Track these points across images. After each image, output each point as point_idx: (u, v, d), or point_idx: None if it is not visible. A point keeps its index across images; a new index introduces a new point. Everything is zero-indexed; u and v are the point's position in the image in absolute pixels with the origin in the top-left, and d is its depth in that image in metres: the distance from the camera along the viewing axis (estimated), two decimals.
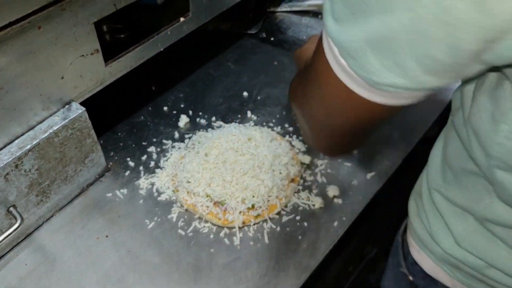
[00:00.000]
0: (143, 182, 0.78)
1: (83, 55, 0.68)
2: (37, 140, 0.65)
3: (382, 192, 0.76)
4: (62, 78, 0.67)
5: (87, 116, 0.71)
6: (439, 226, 0.55)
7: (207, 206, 0.72)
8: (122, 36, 0.85)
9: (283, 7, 1.17)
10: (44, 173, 0.69)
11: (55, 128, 0.67)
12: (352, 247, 0.95)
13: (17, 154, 0.63)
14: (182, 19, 0.83)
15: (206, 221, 0.72)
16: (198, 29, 0.84)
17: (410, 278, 0.65)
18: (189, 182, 0.74)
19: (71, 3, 0.61)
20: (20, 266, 0.67)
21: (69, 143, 0.70)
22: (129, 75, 0.80)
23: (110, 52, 0.75)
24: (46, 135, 0.66)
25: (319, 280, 0.71)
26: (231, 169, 0.74)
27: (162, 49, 0.82)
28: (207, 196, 0.72)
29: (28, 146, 0.64)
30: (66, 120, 0.68)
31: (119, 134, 0.88)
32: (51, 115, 0.68)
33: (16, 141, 0.65)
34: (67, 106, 0.70)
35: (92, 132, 0.74)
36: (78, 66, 0.68)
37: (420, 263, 0.61)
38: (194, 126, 0.89)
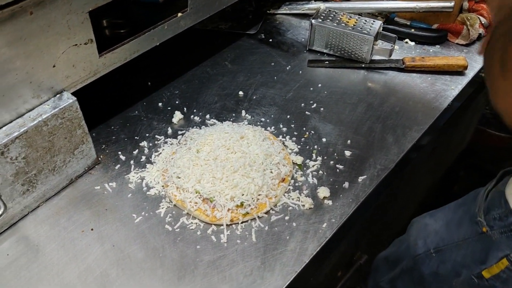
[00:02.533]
0: (133, 176, 0.77)
1: (76, 45, 0.67)
2: (25, 128, 0.64)
3: (373, 196, 0.75)
4: (54, 66, 0.66)
5: (78, 106, 0.70)
6: None
7: (196, 202, 0.71)
8: (122, 31, 0.85)
9: (283, 10, 1.17)
10: (31, 162, 0.68)
11: (44, 116, 0.66)
12: (341, 252, 0.93)
13: (3, 141, 0.62)
14: (179, 14, 0.82)
15: (194, 218, 0.71)
16: (197, 27, 0.83)
17: (485, 229, 0.75)
18: (179, 178, 0.73)
19: None
20: (1, 256, 0.66)
21: (58, 132, 0.70)
22: (125, 69, 0.79)
23: (105, 44, 0.74)
24: (34, 123, 0.65)
25: (307, 283, 0.69)
26: (221, 166, 0.73)
27: (158, 43, 0.82)
28: (196, 192, 0.71)
29: (15, 134, 0.63)
30: (56, 109, 0.68)
31: (112, 127, 0.87)
32: (41, 104, 0.67)
33: (4, 128, 0.64)
34: (58, 95, 0.69)
35: (83, 122, 0.73)
36: (70, 56, 0.67)
37: None
38: (187, 123, 0.89)
